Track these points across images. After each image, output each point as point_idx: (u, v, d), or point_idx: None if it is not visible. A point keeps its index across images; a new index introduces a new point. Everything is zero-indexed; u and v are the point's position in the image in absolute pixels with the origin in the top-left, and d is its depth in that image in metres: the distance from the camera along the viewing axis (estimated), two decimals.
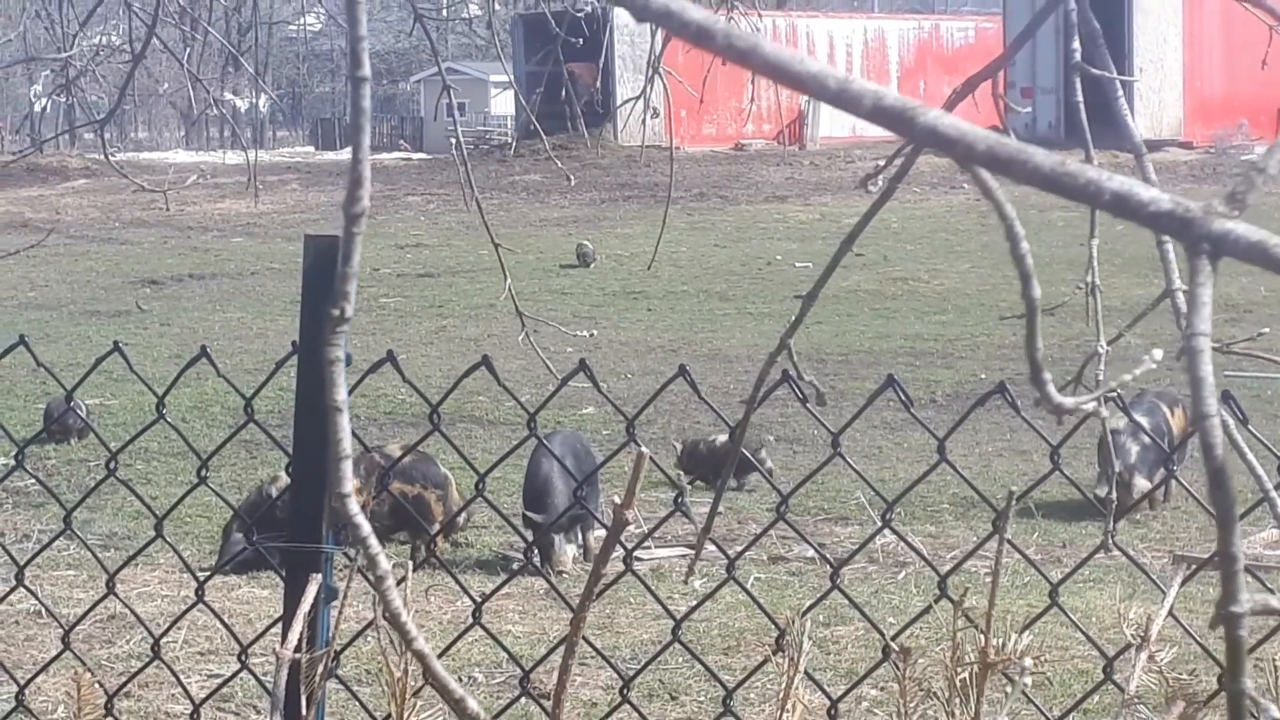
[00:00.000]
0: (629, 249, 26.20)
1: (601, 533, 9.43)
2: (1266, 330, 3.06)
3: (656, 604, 3.48)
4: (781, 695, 2.23)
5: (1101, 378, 2.14)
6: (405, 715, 2.45)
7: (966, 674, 2.15)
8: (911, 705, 2.19)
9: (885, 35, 51.13)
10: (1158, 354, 1.31)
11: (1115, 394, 2.70)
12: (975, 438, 12.52)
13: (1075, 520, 10.34)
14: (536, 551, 9.45)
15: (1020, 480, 10.75)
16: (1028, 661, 2.09)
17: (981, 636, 2.16)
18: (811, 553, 9.28)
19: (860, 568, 9.32)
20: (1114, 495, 10.16)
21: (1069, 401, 1.11)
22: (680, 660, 7.36)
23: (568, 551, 9.54)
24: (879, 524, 3.20)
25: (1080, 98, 2.35)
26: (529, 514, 9.24)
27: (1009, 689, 2.16)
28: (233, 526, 9.15)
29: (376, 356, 3.38)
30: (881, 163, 2.36)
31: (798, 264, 24.65)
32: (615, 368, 16.43)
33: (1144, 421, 10.24)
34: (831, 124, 45.14)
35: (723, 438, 11.39)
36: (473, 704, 1.07)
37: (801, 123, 46.30)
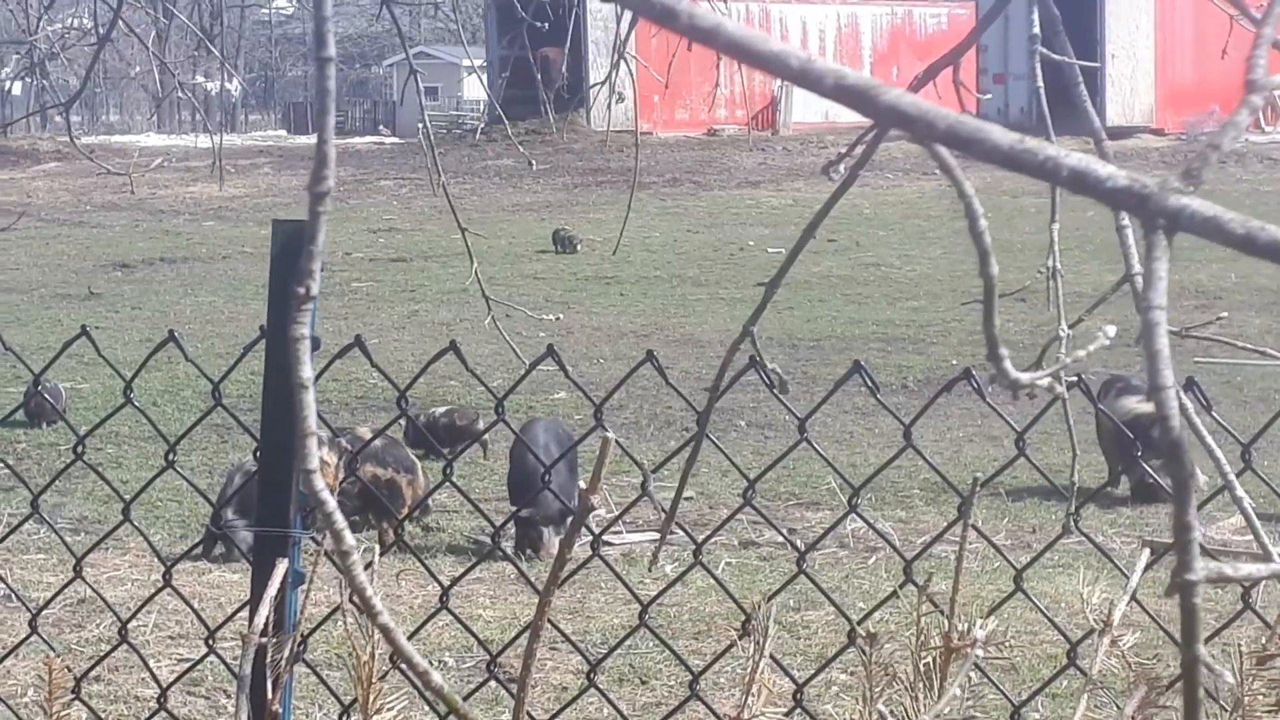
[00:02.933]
0: (601, 234, 26.19)
1: None
2: (1225, 315, 3.07)
3: (626, 589, 3.49)
4: (747, 679, 2.23)
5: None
6: (371, 698, 2.45)
7: (931, 659, 2.16)
8: (877, 690, 2.20)
9: (859, 21, 51.15)
10: (1111, 330, 1.32)
11: (1075, 374, 2.71)
12: (946, 423, 12.55)
13: (1045, 505, 10.36)
14: (520, 541, 9.46)
15: (990, 465, 10.77)
16: (979, 650, 2.10)
17: (947, 621, 2.17)
18: (782, 538, 9.30)
19: (831, 552, 9.33)
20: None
21: (1024, 377, 1.11)
22: (651, 645, 7.37)
23: (555, 542, 9.53)
24: (847, 509, 3.21)
25: (1041, 83, 2.36)
26: (521, 512, 9.22)
27: (972, 673, 2.17)
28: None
29: (347, 341, 3.37)
30: (844, 149, 2.36)
31: (770, 249, 24.66)
32: (587, 353, 16.43)
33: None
34: (804, 110, 45.18)
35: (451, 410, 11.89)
36: (437, 677, 1.07)
37: (774, 108, 46.33)
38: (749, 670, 2.25)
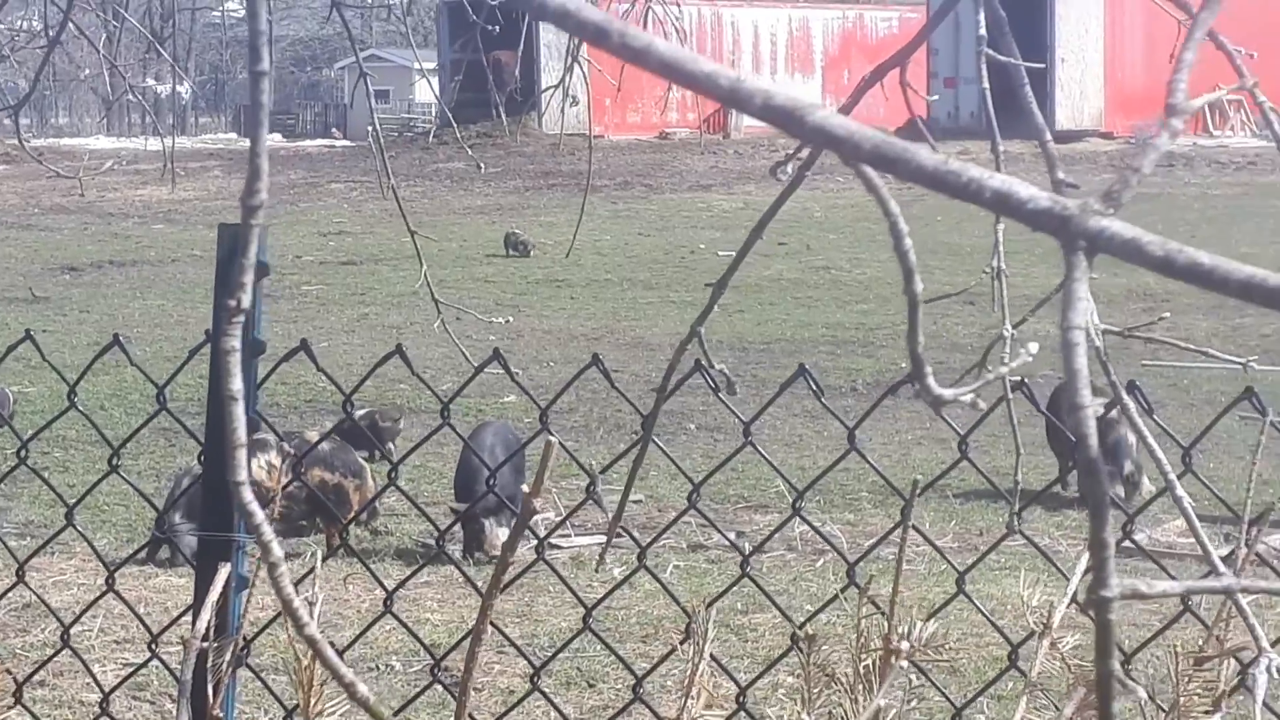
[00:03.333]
0: (553, 237, 26.19)
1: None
2: (1168, 315, 3.10)
3: (571, 592, 3.50)
4: (686, 682, 2.25)
5: (1008, 362, 2.17)
6: (312, 702, 2.46)
7: (870, 661, 2.18)
8: (815, 692, 2.21)
9: (810, 25, 51.26)
10: (1034, 347, 1.34)
11: (1019, 380, 2.73)
12: (895, 426, 12.59)
13: (993, 508, 10.41)
14: (468, 543, 9.50)
15: (938, 468, 10.81)
16: (905, 654, 2.12)
17: (887, 623, 2.18)
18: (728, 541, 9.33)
19: (779, 555, 9.36)
20: (1122, 493, 10.27)
21: (948, 393, 1.13)
22: (599, 648, 7.38)
23: (499, 535, 9.52)
24: (791, 512, 3.23)
25: (987, 85, 2.39)
26: (455, 505, 9.24)
27: (912, 675, 2.19)
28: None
29: (297, 344, 3.37)
30: (791, 150, 2.38)
31: (721, 252, 24.69)
32: (538, 356, 16.44)
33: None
34: None
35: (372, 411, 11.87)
36: (363, 688, 1.08)
37: (725, 112, 46.38)
38: (688, 673, 2.26)
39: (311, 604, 2.39)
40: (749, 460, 10.55)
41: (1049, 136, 2.03)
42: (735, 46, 49.40)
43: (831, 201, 30.53)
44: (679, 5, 5.49)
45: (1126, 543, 3.13)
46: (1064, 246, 0.98)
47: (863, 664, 2.17)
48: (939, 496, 10.59)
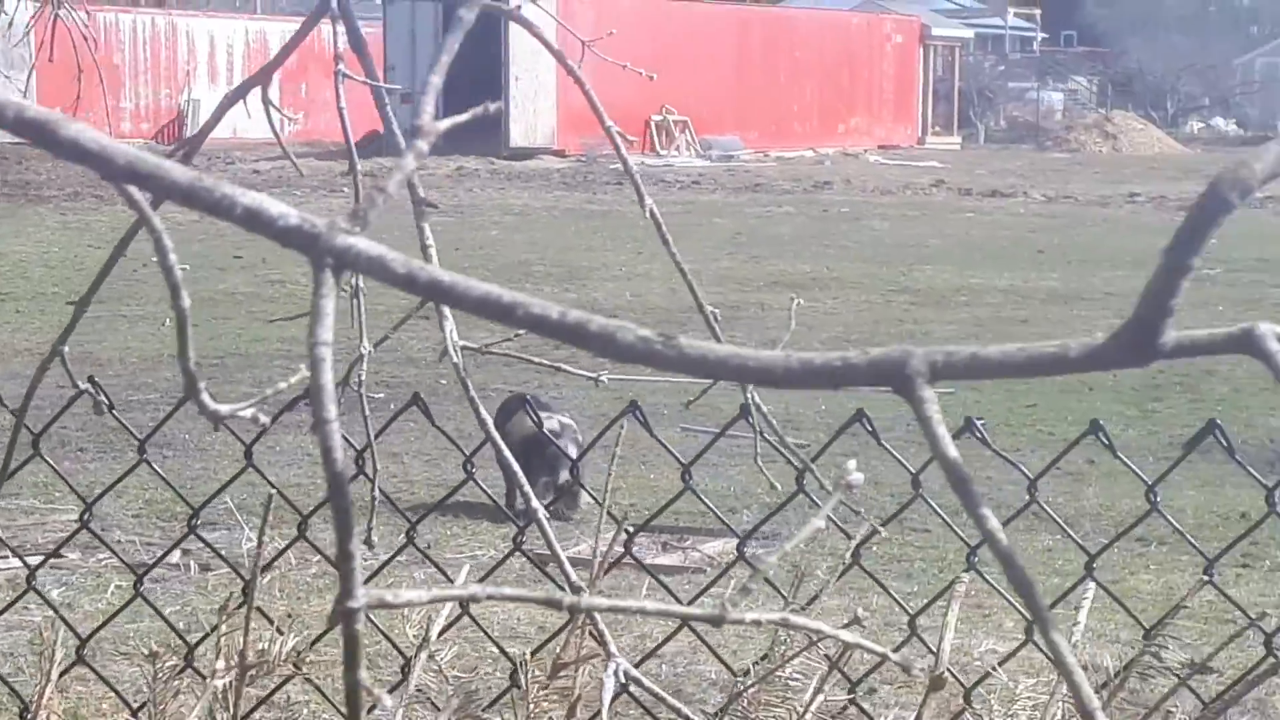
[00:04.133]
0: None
1: None
2: (522, 332, 3.18)
3: (10, 614, 3.39)
4: (34, 706, 2.20)
5: (363, 379, 2.20)
6: None
7: (227, 680, 2.17)
8: (160, 709, 2.20)
9: (267, 36, 50.86)
10: (304, 371, 1.37)
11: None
12: (393, 440, 12.56)
13: (441, 522, 10.46)
14: None
15: (392, 484, 10.82)
16: (218, 678, 2.13)
17: (243, 640, 2.19)
18: (176, 558, 9.19)
19: (226, 573, 9.26)
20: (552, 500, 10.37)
21: (224, 409, 1.14)
22: (33, 674, 7.16)
23: None
24: (186, 530, 3.20)
25: (344, 104, 2.42)
26: None
27: (290, 691, 2.19)
28: None
29: None
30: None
31: (181, 267, 24.27)
32: None
33: (565, 421, 10.34)
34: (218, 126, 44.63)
35: None
36: None
37: (181, 123, 45.69)
38: (35, 697, 2.22)
39: None
40: (199, 477, 10.40)
41: (408, 154, 2.06)
42: (191, 56, 48.66)
43: None
44: (88, 11, 5.38)
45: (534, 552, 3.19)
46: (313, 264, 0.99)
47: (221, 680, 2.16)
48: (441, 513, 10.59)
